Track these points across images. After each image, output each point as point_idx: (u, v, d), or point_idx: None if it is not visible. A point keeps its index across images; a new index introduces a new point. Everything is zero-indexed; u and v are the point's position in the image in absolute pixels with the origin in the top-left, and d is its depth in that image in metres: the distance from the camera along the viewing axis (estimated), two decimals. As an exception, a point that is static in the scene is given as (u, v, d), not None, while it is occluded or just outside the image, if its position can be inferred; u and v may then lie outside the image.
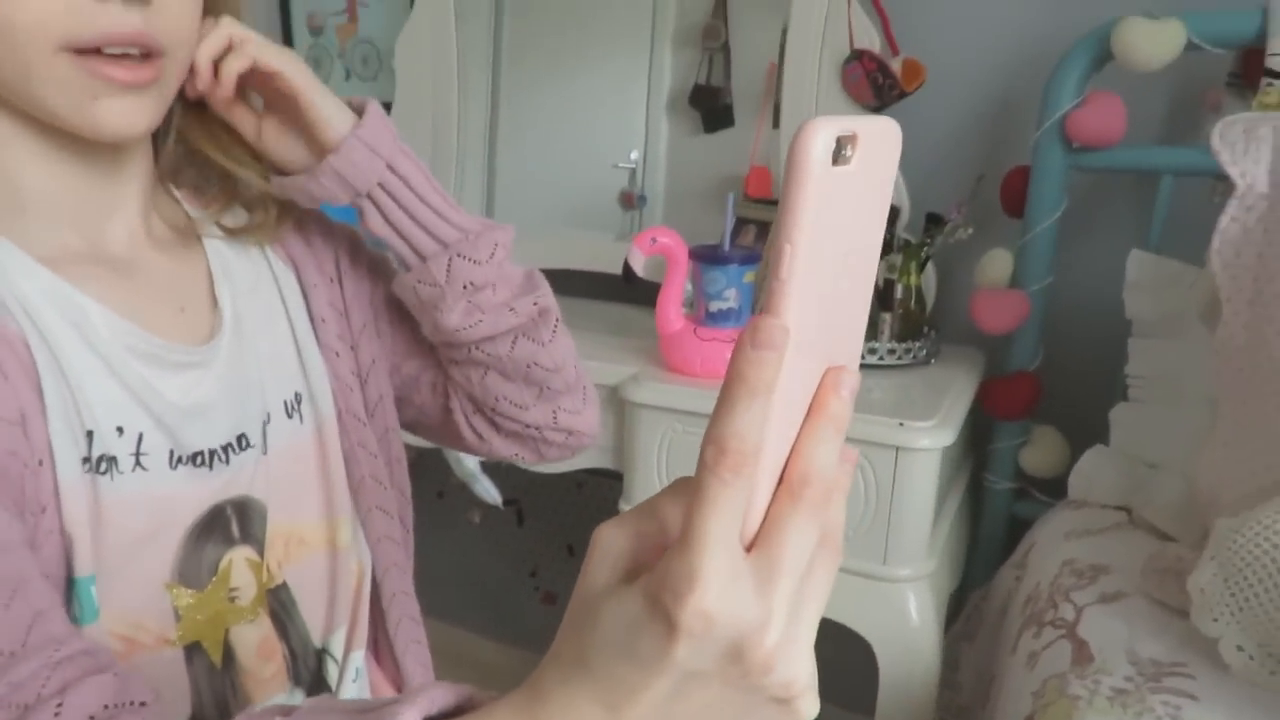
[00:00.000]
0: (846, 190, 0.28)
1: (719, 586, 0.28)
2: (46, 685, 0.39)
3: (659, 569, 0.29)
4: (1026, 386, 1.30)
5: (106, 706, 0.39)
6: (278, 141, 0.61)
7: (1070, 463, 1.25)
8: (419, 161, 0.62)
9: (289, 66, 0.57)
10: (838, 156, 0.27)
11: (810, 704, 0.32)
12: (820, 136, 0.27)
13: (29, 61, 0.48)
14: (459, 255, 0.62)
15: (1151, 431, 1.19)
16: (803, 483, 0.30)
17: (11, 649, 0.40)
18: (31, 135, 0.52)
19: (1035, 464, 1.33)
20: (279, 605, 0.62)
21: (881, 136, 0.29)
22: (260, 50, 0.56)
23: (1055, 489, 1.29)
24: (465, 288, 0.63)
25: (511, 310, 0.65)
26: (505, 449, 0.73)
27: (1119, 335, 1.24)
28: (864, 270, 0.31)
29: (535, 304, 0.66)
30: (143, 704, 0.41)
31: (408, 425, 0.74)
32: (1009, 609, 1.17)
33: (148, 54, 0.50)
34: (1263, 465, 0.90)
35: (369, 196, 0.61)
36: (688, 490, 0.30)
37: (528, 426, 0.71)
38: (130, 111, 0.51)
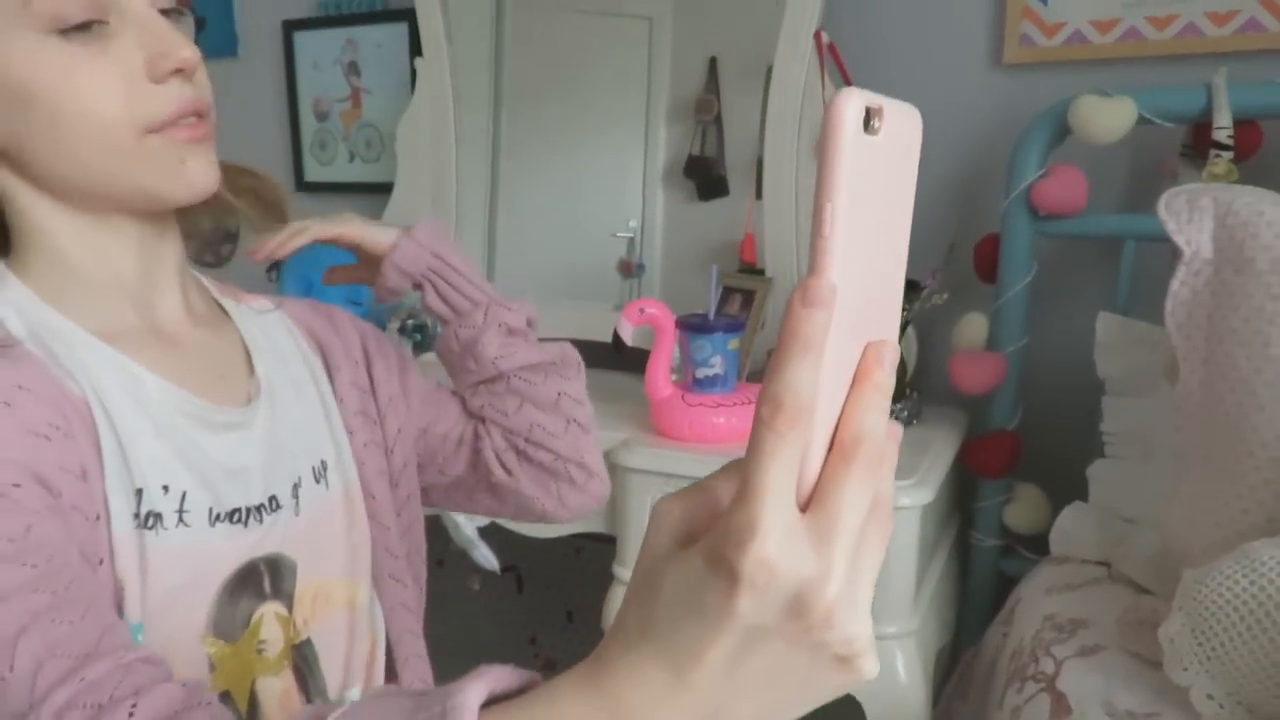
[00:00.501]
0: (877, 160, 0.30)
1: (779, 536, 0.29)
2: (119, 687, 0.42)
3: (719, 525, 0.30)
4: (1006, 445, 1.34)
5: (178, 712, 0.42)
6: (358, 274, 0.80)
7: (1053, 519, 1.28)
8: (461, 251, 0.78)
9: (342, 228, 0.75)
10: (868, 126, 0.30)
11: (871, 664, 0.32)
12: (852, 103, 0.29)
13: (122, 150, 0.55)
14: (494, 304, 0.78)
15: (1128, 487, 1.23)
16: (855, 443, 0.30)
17: (85, 651, 0.43)
18: (86, 224, 0.58)
19: (1019, 521, 1.36)
20: (302, 660, 0.65)
21: (905, 117, 0.31)
22: (319, 227, 0.74)
23: (1040, 545, 1.32)
24: (499, 326, 0.77)
25: (541, 348, 0.79)
26: (530, 486, 0.79)
27: (1094, 393, 1.29)
28: (897, 250, 0.33)
29: (561, 349, 0.80)
30: (209, 703, 0.44)
31: (422, 489, 0.79)
32: (996, 665, 1.19)
33: (198, 114, 0.58)
34: (1226, 516, 0.93)
35: (425, 278, 0.77)
36: (738, 468, 0.31)
37: (556, 458, 0.78)
38: (209, 165, 0.59)
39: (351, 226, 0.76)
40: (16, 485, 0.47)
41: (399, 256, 0.76)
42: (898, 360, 0.32)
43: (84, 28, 0.53)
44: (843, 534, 0.30)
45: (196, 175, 0.58)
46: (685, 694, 0.32)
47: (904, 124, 0.31)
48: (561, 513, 0.81)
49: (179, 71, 0.55)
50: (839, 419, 0.31)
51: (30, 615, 0.43)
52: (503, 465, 0.78)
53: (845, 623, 0.30)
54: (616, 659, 0.33)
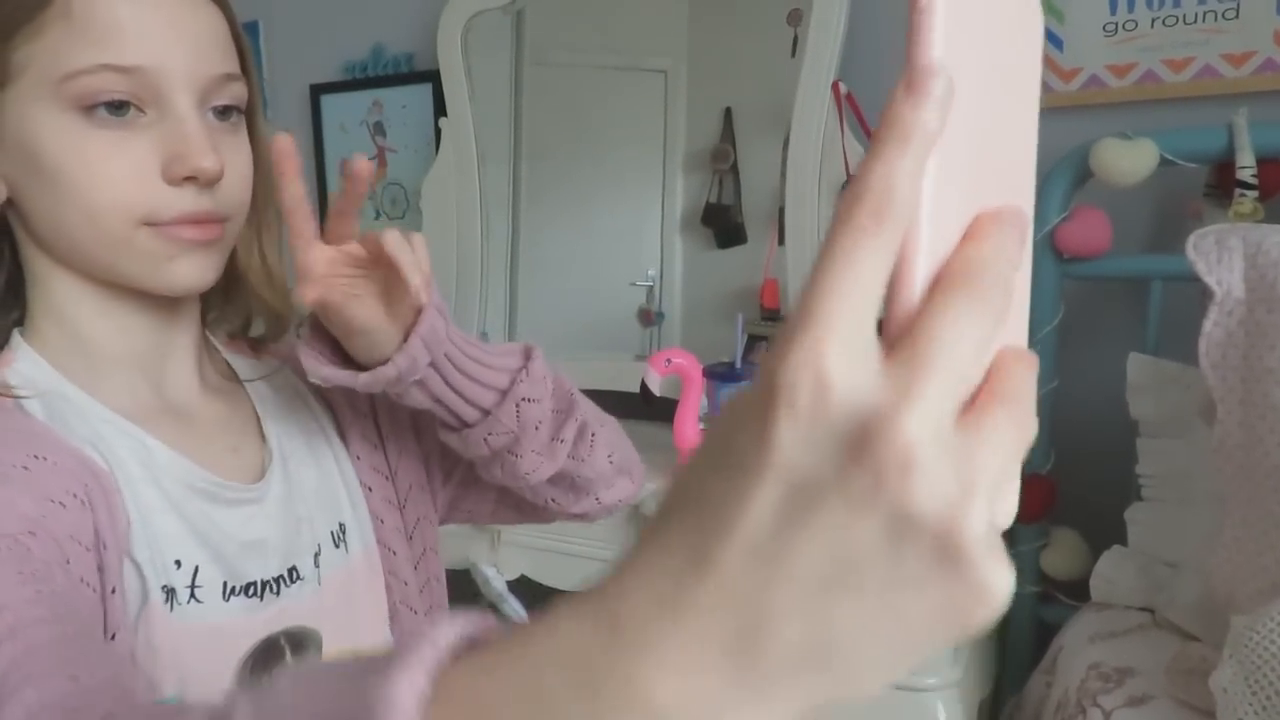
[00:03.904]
0: None
1: (840, 343, 0.21)
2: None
3: (771, 344, 0.22)
4: (1040, 489, 1.33)
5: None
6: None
7: (1091, 564, 1.26)
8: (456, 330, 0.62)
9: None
10: None
11: (997, 570, 0.21)
12: None
13: (111, 235, 0.54)
14: (524, 399, 0.62)
15: (1168, 530, 1.20)
16: (964, 265, 0.22)
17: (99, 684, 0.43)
18: (101, 296, 0.58)
19: (1056, 567, 1.34)
20: None
21: None
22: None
23: (1079, 591, 1.30)
24: (536, 428, 0.63)
25: (561, 441, 0.66)
26: (566, 506, 0.73)
27: (1128, 435, 1.27)
28: (1021, 108, 0.26)
29: (576, 424, 0.67)
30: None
31: (461, 518, 0.78)
32: (1041, 716, 1.16)
33: (208, 222, 0.56)
34: (1273, 560, 0.91)
35: (435, 365, 0.59)
36: None
37: (575, 515, 0.75)
38: (200, 267, 0.56)
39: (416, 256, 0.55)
40: (32, 534, 0.46)
41: (425, 330, 0.56)
42: (1030, 230, 0.24)
43: (116, 110, 0.52)
44: (937, 364, 0.21)
45: (180, 275, 0.55)
46: (701, 585, 0.22)
47: None
48: (600, 514, 0.75)
49: (193, 179, 0.53)
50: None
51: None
52: (535, 494, 0.72)
53: (934, 473, 0.20)
54: (630, 555, 0.24)
